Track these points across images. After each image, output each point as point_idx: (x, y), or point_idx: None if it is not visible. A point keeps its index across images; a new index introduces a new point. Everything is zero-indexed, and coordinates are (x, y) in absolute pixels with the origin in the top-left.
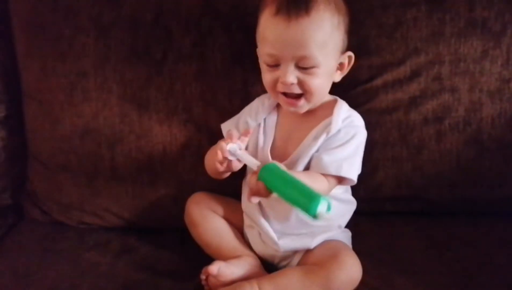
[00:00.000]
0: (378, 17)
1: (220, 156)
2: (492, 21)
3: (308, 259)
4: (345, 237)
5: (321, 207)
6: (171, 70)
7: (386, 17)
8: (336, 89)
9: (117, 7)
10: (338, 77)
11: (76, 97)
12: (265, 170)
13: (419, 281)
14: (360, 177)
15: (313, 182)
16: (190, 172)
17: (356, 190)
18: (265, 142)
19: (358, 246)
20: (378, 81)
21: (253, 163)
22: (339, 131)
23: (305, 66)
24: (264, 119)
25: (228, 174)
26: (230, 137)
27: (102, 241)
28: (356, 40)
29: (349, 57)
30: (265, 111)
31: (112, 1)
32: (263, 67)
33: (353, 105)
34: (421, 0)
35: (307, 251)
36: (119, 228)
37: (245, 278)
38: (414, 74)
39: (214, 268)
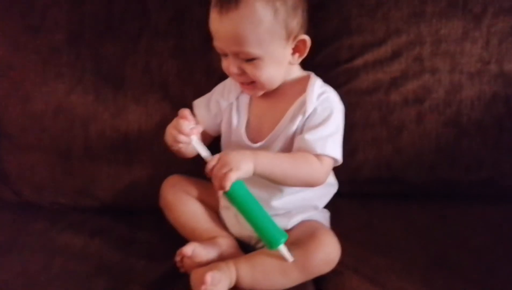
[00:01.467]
0: None
1: (182, 139)
2: (473, 2)
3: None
4: (323, 217)
5: (282, 243)
6: (147, 46)
7: None
8: (317, 69)
9: None
10: (296, 60)
11: (49, 74)
12: (233, 189)
13: (396, 262)
14: None
15: (302, 163)
16: (166, 152)
17: (335, 171)
18: (239, 121)
19: (336, 226)
20: (359, 61)
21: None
22: (315, 109)
23: (245, 58)
24: (237, 98)
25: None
26: (185, 117)
27: (75, 222)
28: (337, 20)
29: (303, 41)
30: (237, 90)
31: None
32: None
33: (334, 85)
34: None
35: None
36: (93, 209)
37: (221, 259)
38: (395, 55)
39: (189, 249)
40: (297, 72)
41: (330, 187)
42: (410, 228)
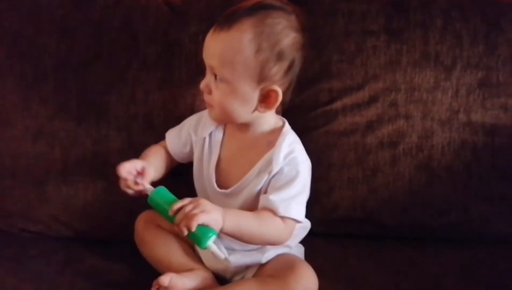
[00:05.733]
0: (340, 43)
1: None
2: (444, 55)
3: (264, 272)
4: (298, 251)
5: (211, 240)
6: (135, 77)
7: (348, 44)
8: (297, 111)
9: (84, 11)
10: (262, 109)
11: (32, 98)
12: (156, 194)
13: None
14: (316, 197)
15: (267, 223)
16: None
17: (311, 210)
18: (210, 160)
19: (311, 263)
20: (338, 104)
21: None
22: (281, 169)
23: (216, 75)
24: (210, 134)
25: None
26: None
27: (46, 250)
28: (318, 64)
29: (274, 92)
30: (212, 126)
31: (79, 4)
32: None
33: (313, 126)
34: (380, 30)
35: (262, 265)
36: (66, 237)
37: None
38: (372, 99)
39: (165, 279)
40: (271, 119)
41: (301, 229)
42: (383, 269)
